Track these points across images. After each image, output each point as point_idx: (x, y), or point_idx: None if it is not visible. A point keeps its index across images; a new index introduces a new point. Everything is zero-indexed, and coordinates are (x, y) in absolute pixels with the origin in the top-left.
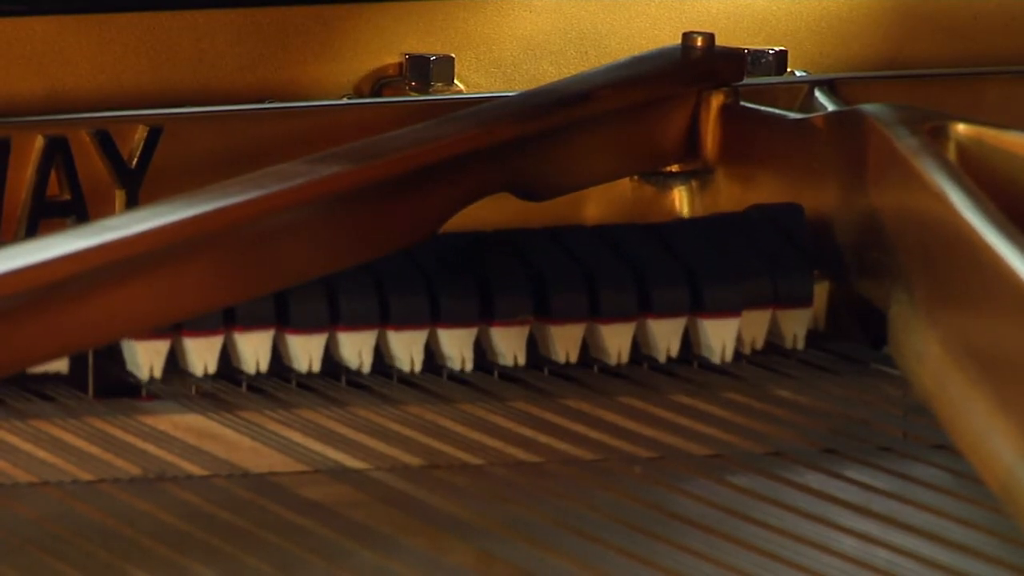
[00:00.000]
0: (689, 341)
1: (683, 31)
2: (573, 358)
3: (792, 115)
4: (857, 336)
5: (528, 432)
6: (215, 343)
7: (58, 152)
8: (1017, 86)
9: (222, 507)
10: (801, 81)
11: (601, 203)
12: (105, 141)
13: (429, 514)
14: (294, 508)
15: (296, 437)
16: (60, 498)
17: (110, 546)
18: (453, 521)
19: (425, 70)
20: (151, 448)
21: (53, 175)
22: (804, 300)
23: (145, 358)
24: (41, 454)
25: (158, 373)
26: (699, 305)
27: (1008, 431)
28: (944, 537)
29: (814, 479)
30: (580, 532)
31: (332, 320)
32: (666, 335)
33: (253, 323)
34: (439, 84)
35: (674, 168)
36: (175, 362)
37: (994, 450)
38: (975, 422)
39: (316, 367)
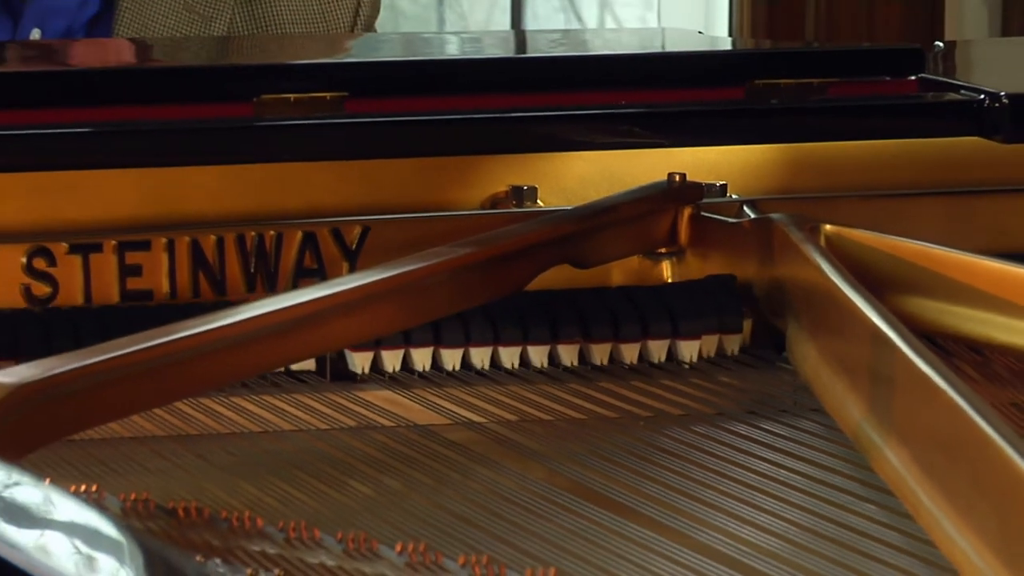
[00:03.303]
0: (671, 352)
1: (668, 171)
2: (604, 362)
3: (731, 220)
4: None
5: (578, 401)
6: (399, 353)
7: (309, 241)
8: (860, 204)
9: (401, 444)
10: (736, 201)
11: (620, 271)
12: (337, 234)
13: (519, 448)
14: (442, 444)
15: (444, 404)
16: (308, 439)
17: (336, 466)
18: (533, 452)
19: (520, 194)
20: (361, 410)
21: (307, 254)
22: (737, 330)
23: (359, 361)
24: (298, 413)
25: (367, 369)
26: (676, 332)
27: (856, 401)
28: (818, 462)
29: (742, 428)
30: (608, 459)
31: (466, 338)
32: (658, 349)
33: (422, 341)
34: (528, 202)
35: (662, 250)
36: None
37: (848, 412)
38: (836, 396)
39: (457, 367)
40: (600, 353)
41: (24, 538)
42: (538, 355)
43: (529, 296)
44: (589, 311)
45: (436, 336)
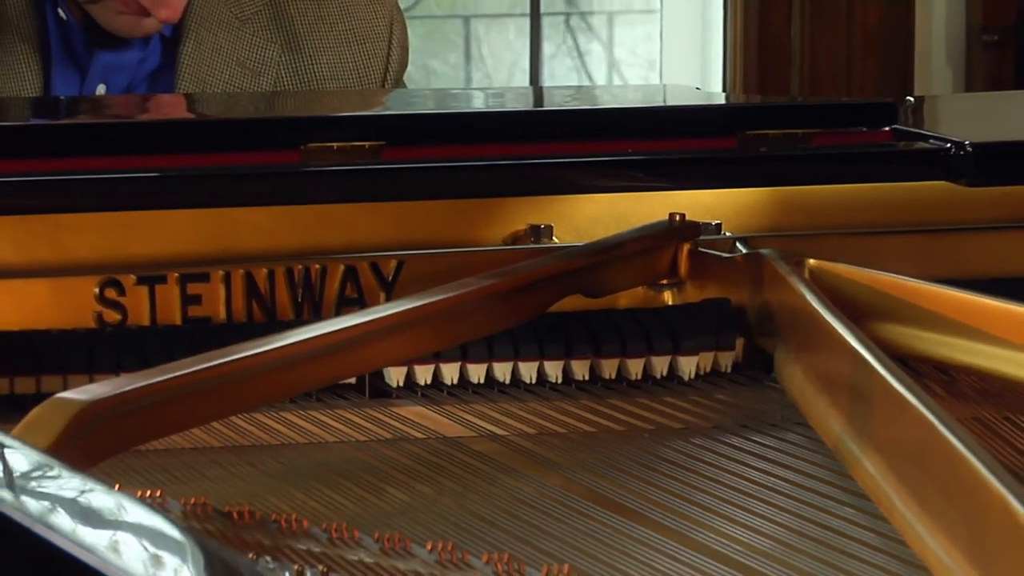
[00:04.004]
0: (672, 367)
1: (669, 212)
2: (612, 376)
3: (725, 255)
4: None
5: (590, 416)
6: (430, 368)
7: (350, 273)
8: (840, 240)
9: (431, 454)
10: (729, 238)
11: (627, 300)
12: (375, 267)
13: (538, 458)
14: (469, 454)
15: (471, 418)
16: (348, 449)
17: (374, 474)
18: (550, 462)
19: (538, 232)
20: (396, 423)
21: (348, 284)
22: (730, 348)
23: (394, 376)
24: (340, 426)
25: (401, 383)
26: (677, 349)
27: (836, 416)
28: (802, 469)
29: (735, 440)
30: (617, 467)
31: (490, 355)
32: (660, 364)
33: (451, 357)
34: (545, 239)
35: (664, 281)
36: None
37: (829, 425)
38: (819, 411)
39: (482, 380)
40: (609, 368)
41: (98, 539)
42: (553, 369)
43: (545, 317)
44: (599, 330)
45: (463, 352)
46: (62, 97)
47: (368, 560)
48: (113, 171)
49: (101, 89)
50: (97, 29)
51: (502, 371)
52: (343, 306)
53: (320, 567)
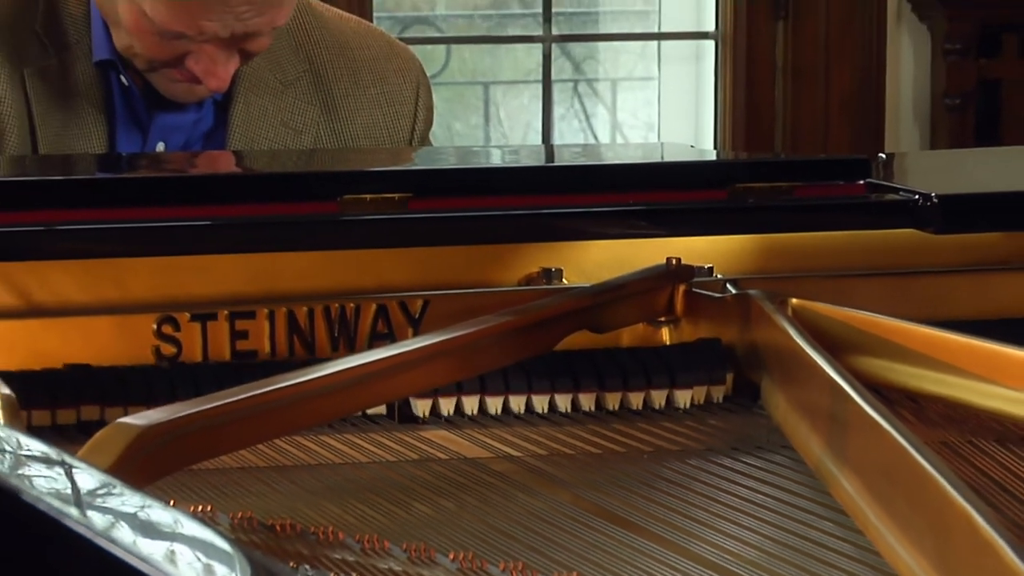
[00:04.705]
0: (669, 399)
1: (666, 256)
2: (616, 408)
3: (716, 295)
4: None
5: (596, 439)
6: (453, 400)
7: (382, 311)
8: (820, 282)
9: (453, 472)
10: (720, 280)
11: (628, 335)
12: (403, 306)
13: (548, 476)
14: (488, 473)
15: (489, 440)
16: (379, 468)
17: (402, 490)
18: (560, 480)
19: (549, 275)
20: (423, 446)
21: (380, 321)
22: (721, 382)
23: (421, 407)
24: (372, 448)
25: (427, 414)
26: (673, 384)
27: (816, 439)
28: (786, 487)
29: (726, 461)
30: (620, 485)
31: (506, 388)
32: (658, 397)
33: (471, 391)
34: (555, 281)
35: (662, 318)
36: (436, 407)
37: (811, 448)
38: (801, 434)
39: (499, 411)
40: (612, 400)
41: (156, 550)
42: (563, 402)
43: (555, 355)
44: (604, 367)
45: (482, 386)
46: (125, 154)
47: (396, 568)
48: (170, 220)
49: (160, 147)
50: (156, 94)
51: (517, 403)
52: (375, 341)
53: (353, 574)
